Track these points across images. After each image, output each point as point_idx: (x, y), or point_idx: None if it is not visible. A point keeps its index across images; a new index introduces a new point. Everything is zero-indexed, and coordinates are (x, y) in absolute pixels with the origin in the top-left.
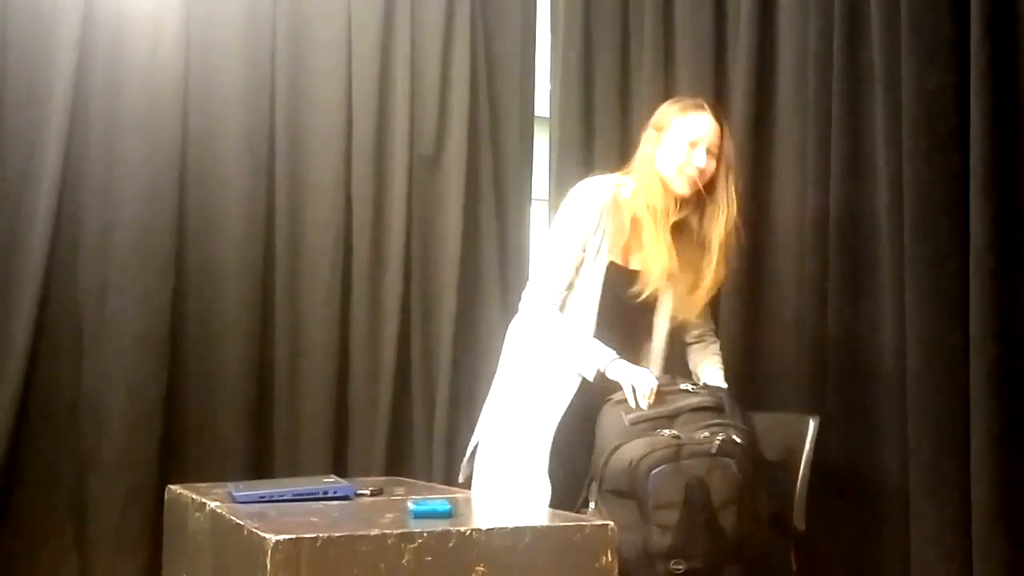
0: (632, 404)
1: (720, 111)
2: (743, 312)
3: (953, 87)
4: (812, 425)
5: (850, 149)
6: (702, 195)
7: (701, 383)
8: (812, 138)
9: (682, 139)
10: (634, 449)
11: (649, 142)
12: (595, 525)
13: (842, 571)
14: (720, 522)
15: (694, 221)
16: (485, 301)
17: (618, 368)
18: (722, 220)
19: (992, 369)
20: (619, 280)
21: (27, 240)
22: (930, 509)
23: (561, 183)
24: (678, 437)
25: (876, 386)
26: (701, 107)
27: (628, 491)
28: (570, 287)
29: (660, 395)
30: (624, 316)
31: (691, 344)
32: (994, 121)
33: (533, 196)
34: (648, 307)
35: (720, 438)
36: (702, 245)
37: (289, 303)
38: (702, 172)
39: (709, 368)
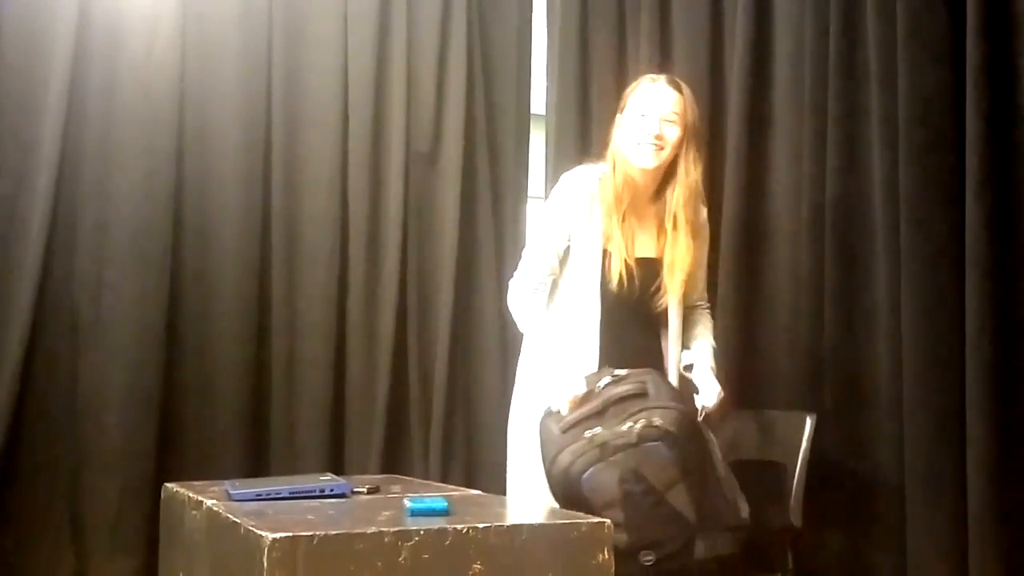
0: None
1: (677, 81)
2: (739, 310)
3: (949, 85)
4: (809, 423)
5: (846, 146)
6: (670, 168)
7: (625, 371)
8: (808, 136)
9: (635, 112)
10: (564, 458)
11: (616, 125)
12: (592, 522)
13: (838, 568)
14: (671, 504)
15: (665, 192)
16: (482, 298)
17: (551, 378)
18: (681, 190)
19: (988, 366)
20: (612, 268)
21: (23, 238)
22: (926, 506)
23: (557, 181)
24: (604, 437)
25: (872, 384)
26: (653, 79)
27: (574, 499)
28: (556, 283)
29: (587, 393)
30: (633, 305)
31: (686, 319)
32: (989, 119)
33: (529, 194)
34: (653, 295)
35: (640, 424)
36: (673, 216)
37: (286, 300)
38: (659, 138)
39: (698, 342)
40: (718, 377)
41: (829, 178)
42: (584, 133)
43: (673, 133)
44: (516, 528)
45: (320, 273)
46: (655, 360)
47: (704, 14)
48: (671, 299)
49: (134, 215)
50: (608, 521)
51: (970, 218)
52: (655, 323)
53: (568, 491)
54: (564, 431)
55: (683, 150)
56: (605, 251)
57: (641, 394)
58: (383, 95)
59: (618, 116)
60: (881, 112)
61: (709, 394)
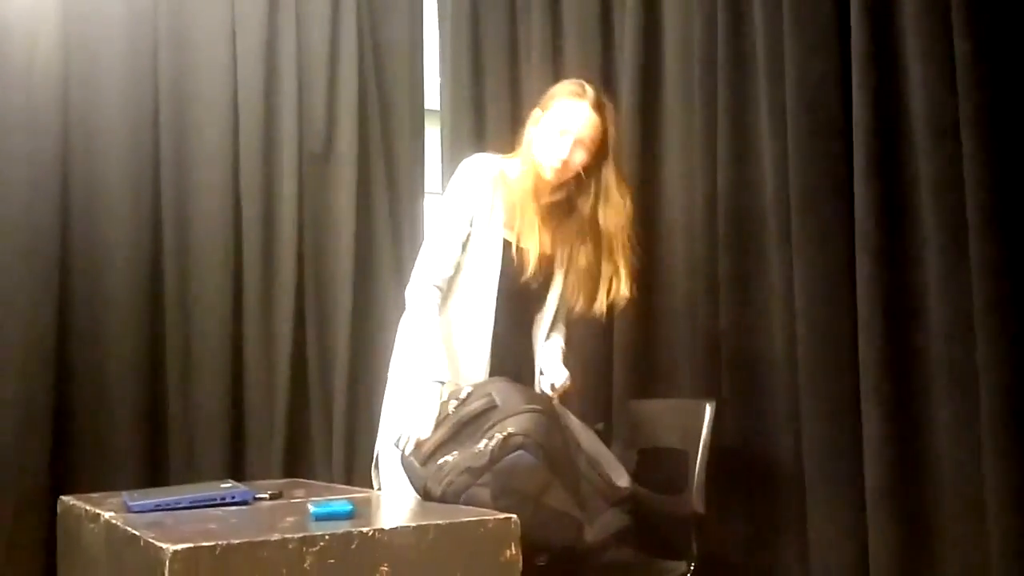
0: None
1: (602, 97)
2: (636, 300)
3: (835, 72)
4: (708, 410)
5: (736, 136)
6: (580, 178)
7: (470, 388)
8: (699, 125)
9: (554, 126)
10: (434, 489)
11: (531, 123)
12: (498, 519)
13: (742, 552)
14: (550, 505)
15: (579, 203)
16: (380, 297)
17: (415, 400)
18: (612, 214)
19: (880, 349)
20: (516, 260)
21: None
22: (825, 489)
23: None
24: (460, 457)
25: (769, 369)
26: (580, 94)
27: None
28: (458, 268)
29: (439, 421)
30: (522, 299)
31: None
32: (875, 105)
33: (426, 190)
34: (542, 289)
35: (495, 440)
36: (591, 230)
37: (180, 305)
38: (565, 164)
39: (549, 342)
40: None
41: (720, 167)
42: (479, 127)
43: (580, 158)
44: (423, 528)
45: (215, 278)
46: (529, 352)
47: (594, 5)
48: (555, 291)
49: (20, 224)
50: (514, 516)
51: (859, 203)
52: (534, 315)
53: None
54: (423, 463)
55: (603, 170)
56: (506, 241)
57: (490, 408)
58: (274, 95)
59: (537, 112)
60: (769, 101)
61: (556, 374)
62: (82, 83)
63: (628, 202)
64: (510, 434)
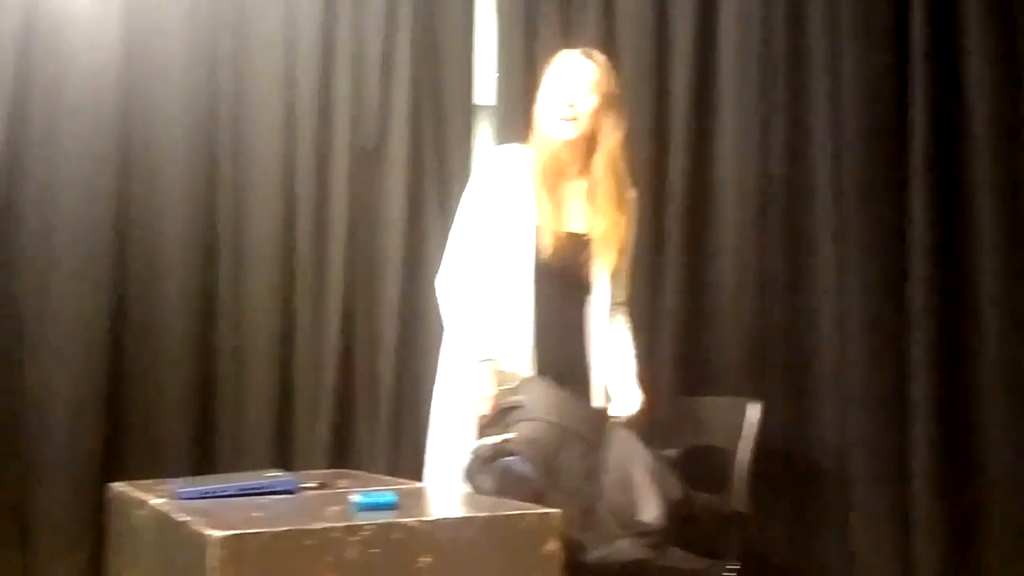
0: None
1: (591, 52)
2: (685, 296)
3: (893, 70)
4: (754, 409)
5: (791, 132)
6: (592, 140)
7: (522, 378)
8: (754, 122)
9: (551, 87)
10: (467, 462)
11: (534, 106)
12: (539, 513)
13: (785, 552)
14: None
15: (592, 169)
16: (429, 291)
17: (475, 375)
18: (601, 157)
19: (931, 348)
20: (547, 242)
21: None
22: (870, 488)
23: None
24: (485, 443)
25: (817, 367)
26: (568, 52)
27: None
28: (484, 254)
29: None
30: (564, 282)
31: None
32: (934, 102)
33: None
34: (581, 271)
35: (510, 436)
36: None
37: (232, 298)
38: (572, 108)
39: (618, 351)
40: (642, 378)
41: (774, 163)
42: (531, 123)
43: (587, 102)
44: (465, 520)
45: (266, 270)
46: (580, 339)
47: (650, 2)
48: (601, 275)
49: (79, 215)
50: (556, 511)
51: (914, 201)
52: (582, 301)
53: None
54: (479, 437)
55: (602, 119)
56: (537, 226)
57: (517, 407)
58: (328, 90)
59: (538, 93)
60: (826, 98)
61: (626, 403)
62: (142, 80)
63: (617, 143)
64: (509, 439)
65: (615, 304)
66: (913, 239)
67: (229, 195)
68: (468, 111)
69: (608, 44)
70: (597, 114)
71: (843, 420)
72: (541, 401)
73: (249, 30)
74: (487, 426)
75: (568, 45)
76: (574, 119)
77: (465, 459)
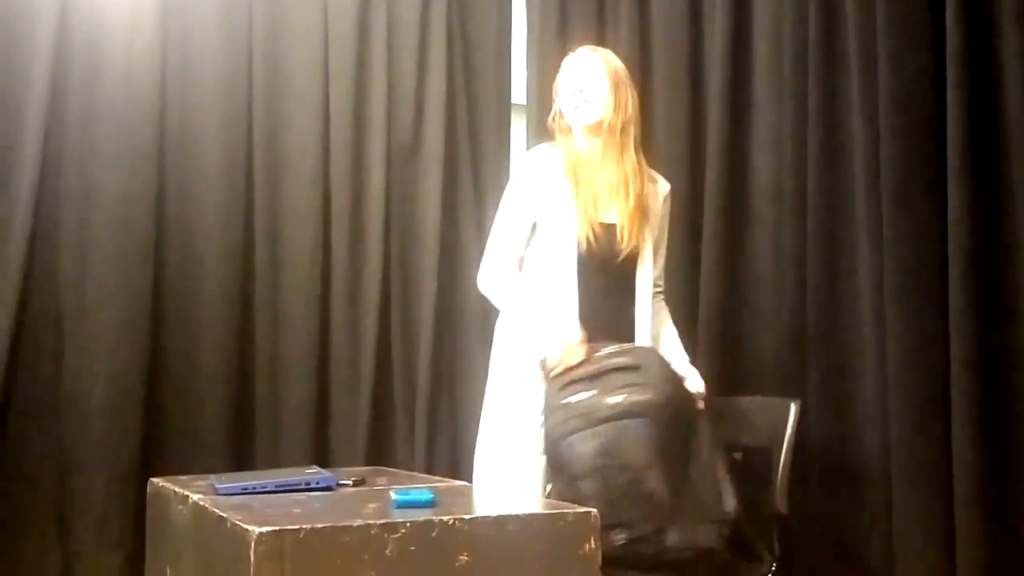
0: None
1: (595, 47)
2: (723, 297)
3: (929, 69)
4: (794, 409)
5: (827, 133)
6: (613, 133)
7: (630, 346)
8: (789, 122)
9: (564, 85)
10: (553, 420)
11: (554, 107)
12: (578, 512)
13: (825, 555)
14: (646, 485)
15: (616, 161)
16: (465, 290)
17: (556, 334)
18: (610, 135)
19: (972, 349)
20: (587, 234)
21: (7, 234)
22: (912, 491)
23: None
24: (592, 402)
25: (857, 368)
26: (574, 51)
27: (555, 463)
28: (523, 250)
29: (586, 360)
30: (607, 273)
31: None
32: (970, 104)
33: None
34: (627, 268)
35: (624, 398)
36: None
37: (269, 294)
38: (582, 92)
39: (665, 336)
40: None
41: (811, 164)
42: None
43: (597, 84)
44: (503, 519)
45: (303, 266)
46: (627, 328)
47: (684, 3)
48: (640, 262)
49: (117, 210)
50: (594, 511)
51: (952, 201)
52: (626, 291)
53: (551, 454)
54: (559, 389)
55: (615, 97)
56: (576, 219)
57: (634, 368)
58: (364, 87)
59: (555, 98)
60: (862, 97)
61: (697, 382)
62: (178, 73)
63: (629, 117)
64: (639, 399)
65: (656, 291)
66: (951, 239)
67: (265, 192)
68: (504, 108)
69: (642, 44)
70: (609, 95)
71: (884, 420)
72: (659, 371)
73: (284, 27)
74: (574, 382)
75: (601, 43)
76: (588, 102)
77: (553, 419)
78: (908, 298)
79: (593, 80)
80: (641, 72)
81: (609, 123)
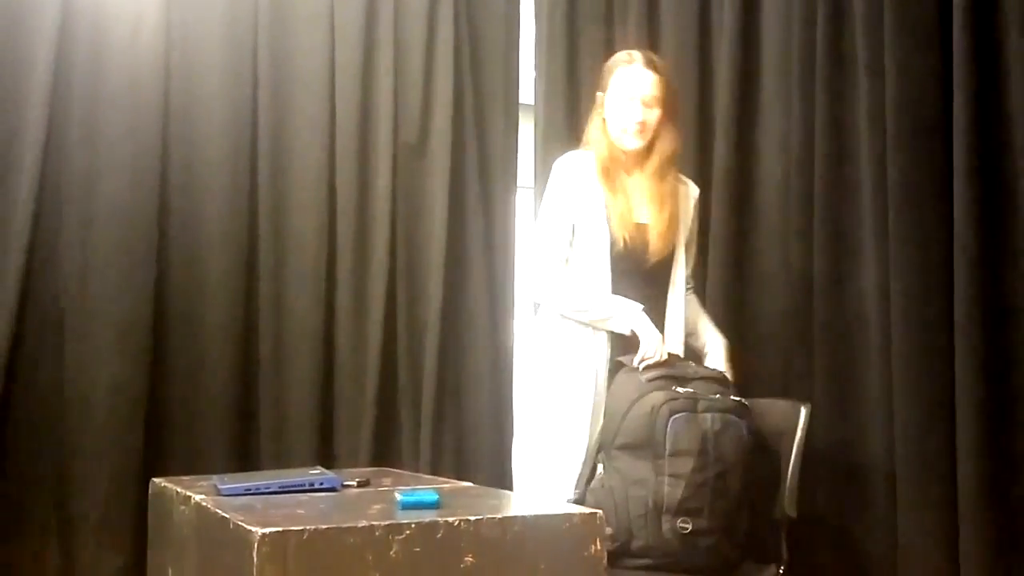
0: (647, 355)
1: (652, 56)
2: (730, 299)
3: (936, 71)
4: (803, 412)
5: (834, 133)
6: (652, 141)
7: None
8: (796, 123)
9: (618, 97)
10: (655, 398)
11: (597, 107)
12: (584, 514)
13: (833, 556)
14: (727, 481)
15: (653, 165)
16: (471, 289)
17: (642, 321)
18: (655, 160)
19: (977, 352)
20: (621, 239)
21: (8, 228)
22: (917, 493)
23: (546, 170)
24: (695, 392)
25: (864, 371)
26: (629, 60)
27: (644, 440)
28: (567, 261)
29: (669, 361)
30: (642, 277)
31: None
32: (977, 106)
33: (518, 183)
34: (661, 267)
35: (729, 399)
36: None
37: (273, 292)
38: (642, 124)
39: (710, 342)
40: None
41: (818, 165)
42: (572, 122)
43: (653, 116)
44: (508, 520)
45: (308, 264)
46: (660, 326)
47: (692, 4)
48: (672, 259)
49: (119, 205)
50: (599, 512)
51: (958, 204)
52: (659, 290)
53: (645, 430)
54: (651, 380)
55: (661, 129)
56: (609, 225)
57: (722, 382)
58: (370, 84)
59: (600, 95)
60: (869, 99)
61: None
62: (183, 66)
63: (672, 149)
64: (743, 402)
65: (688, 287)
66: (957, 240)
67: (270, 189)
68: (512, 107)
69: (650, 43)
70: (658, 125)
71: (891, 422)
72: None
73: (291, 24)
74: (665, 377)
75: (609, 44)
76: (642, 131)
77: (651, 399)
78: (914, 300)
79: (651, 112)
80: None
81: (657, 149)
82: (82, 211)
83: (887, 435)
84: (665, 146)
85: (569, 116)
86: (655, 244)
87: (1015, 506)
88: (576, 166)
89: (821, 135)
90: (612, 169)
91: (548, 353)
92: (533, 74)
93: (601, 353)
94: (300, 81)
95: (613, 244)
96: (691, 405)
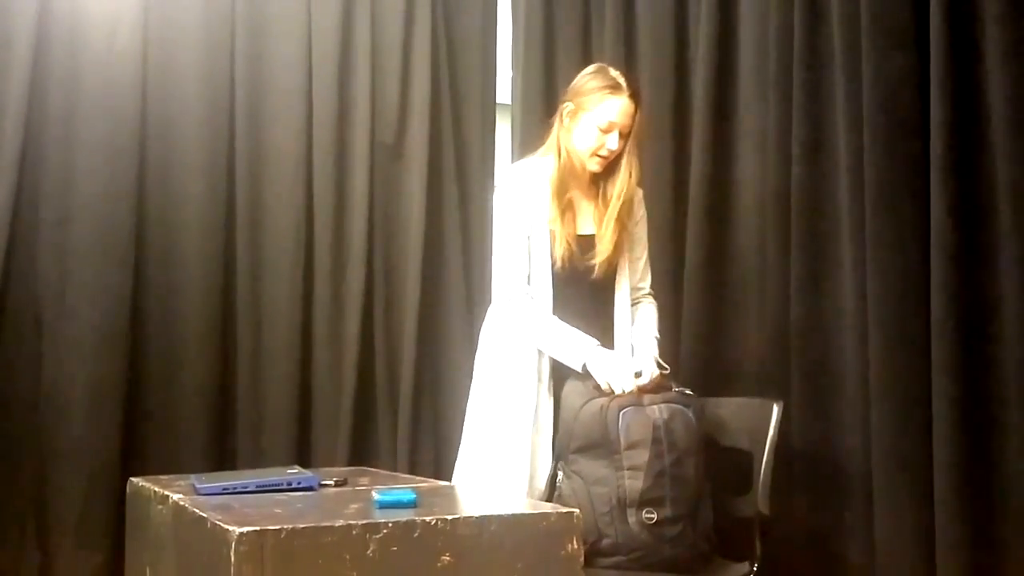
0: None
1: (636, 85)
2: (706, 298)
3: (913, 70)
4: (776, 410)
5: (811, 133)
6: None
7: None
8: (773, 123)
9: (598, 123)
10: (599, 402)
11: (567, 116)
12: (560, 513)
13: (806, 555)
14: (684, 468)
15: (609, 181)
16: (448, 289)
17: (597, 361)
18: (619, 184)
19: (953, 351)
20: (563, 249)
21: None
22: (893, 491)
23: None
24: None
25: (839, 370)
26: (618, 89)
27: (599, 439)
28: (528, 279)
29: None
30: (584, 286)
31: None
32: (954, 104)
33: (496, 183)
34: (606, 278)
35: (676, 391)
36: (624, 203)
37: (251, 293)
38: (612, 152)
39: (641, 332)
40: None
41: (795, 165)
42: (548, 128)
43: (621, 144)
44: (485, 519)
45: (285, 266)
46: (606, 340)
47: (668, 3)
48: (618, 270)
49: (96, 208)
50: (576, 511)
51: (935, 203)
52: (604, 301)
53: (598, 428)
54: (596, 387)
55: (629, 155)
56: (551, 232)
57: (668, 387)
58: (347, 86)
59: (575, 109)
60: (846, 99)
61: (646, 366)
62: (160, 69)
63: (635, 180)
64: (687, 391)
65: (637, 294)
66: (934, 239)
67: (247, 190)
68: (489, 107)
69: (627, 45)
70: (630, 161)
71: (866, 421)
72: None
73: (267, 24)
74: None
75: (586, 46)
76: (608, 159)
77: (598, 402)
78: (891, 299)
79: (622, 141)
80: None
81: (621, 175)
82: (59, 213)
83: (863, 434)
84: (624, 177)
85: (546, 116)
86: (601, 256)
87: (992, 505)
88: (527, 176)
89: (798, 134)
90: (568, 181)
91: (496, 356)
92: (510, 74)
93: (546, 361)
94: (277, 82)
95: (557, 257)
96: (637, 399)
